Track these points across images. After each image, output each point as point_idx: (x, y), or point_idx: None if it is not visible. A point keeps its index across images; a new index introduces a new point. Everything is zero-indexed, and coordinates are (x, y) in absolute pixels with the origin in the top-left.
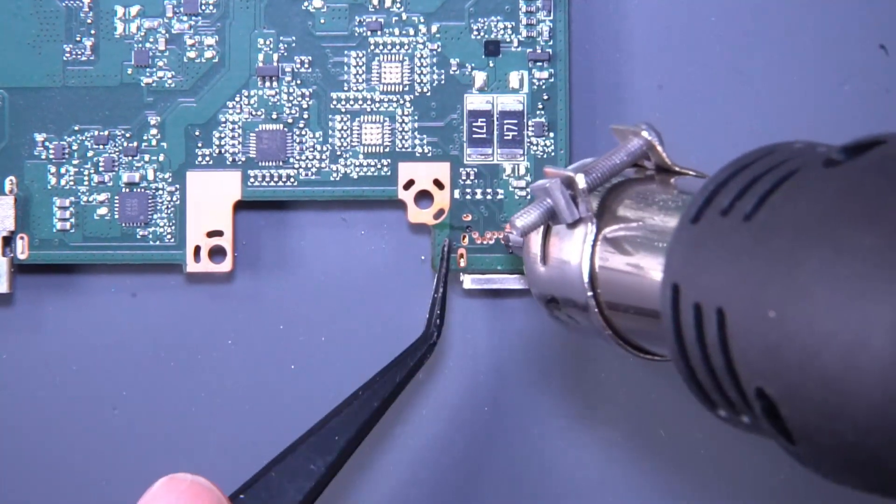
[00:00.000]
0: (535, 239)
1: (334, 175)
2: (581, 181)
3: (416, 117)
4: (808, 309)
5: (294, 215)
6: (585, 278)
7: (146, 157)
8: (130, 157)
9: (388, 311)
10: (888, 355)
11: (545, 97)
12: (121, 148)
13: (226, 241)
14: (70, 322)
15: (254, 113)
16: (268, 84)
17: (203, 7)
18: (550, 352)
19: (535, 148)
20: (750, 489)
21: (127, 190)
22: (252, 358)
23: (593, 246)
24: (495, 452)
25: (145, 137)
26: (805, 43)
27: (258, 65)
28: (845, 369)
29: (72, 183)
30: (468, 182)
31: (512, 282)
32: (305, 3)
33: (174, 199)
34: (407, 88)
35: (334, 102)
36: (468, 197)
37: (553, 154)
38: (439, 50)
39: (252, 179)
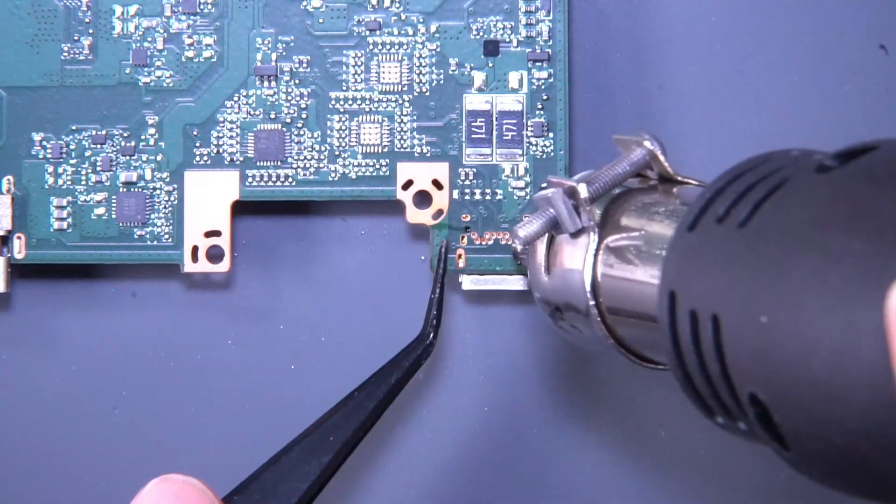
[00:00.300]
0: (540, 249)
1: (333, 175)
2: (583, 191)
3: (414, 117)
4: (797, 315)
5: (292, 215)
6: (587, 287)
7: (144, 157)
8: (128, 157)
9: (388, 312)
10: (875, 360)
11: (544, 97)
12: (118, 147)
13: (224, 242)
14: (68, 322)
15: (252, 112)
16: (266, 83)
17: (202, 6)
18: (550, 352)
19: (534, 148)
20: (750, 490)
21: (125, 189)
22: (252, 358)
23: (595, 255)
24: (495, 452)
25: (143, 137)
26: (805, 43)
27: (256, 64)
28: (833, 374)
29: (69, 182)
30: (467, 182)
31: (511, 282)
32: (304, 3)
33: (172, 198)
34: (406, 88)
35: (333, 102)
36: (467, 197)
37: (552, 154)
38: (438, 49)
39: (250, 179)
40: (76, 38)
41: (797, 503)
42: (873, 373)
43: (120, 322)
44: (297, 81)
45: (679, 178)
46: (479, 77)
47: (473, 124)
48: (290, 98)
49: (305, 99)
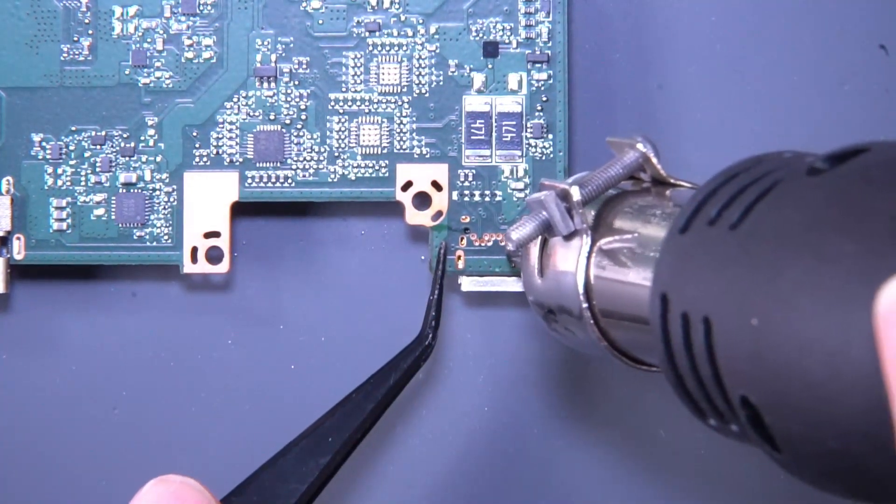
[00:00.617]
0: (534, 251)
1: (332, 176)
2: (576, 193)
3: (414, 118)
4: (790, 317)
5: (292, 216)
6: (580, 289)
7: (143, 158)
8: (128, 158)
9: (387, 313)
10: (868, 362)
11: (544, 98)
12: (118, 148)
13: (223, 243)
14: (68, 323)
15: (251, 113)
16: (265, 85)
17: (201, 7)
18: (550, 353)
19: (533, 149)
20: (750, 490)
21: (124, 190)
22: (252, 358)
23: (588, 257)
24: (495, 453)
25: (143, 138)
26: (805, 43)
27: (256, 65)
28: (827, 377)
29: (69, 183)
30: (466, 183)
31: (510, 284)
32: (304, 4)
33: (171, 199)
34: (405, 89)
35: (332, 103)
36: (466, 198)
37: (551, 156)
38: (438, 51)
39: (249, 180)
40: (76, 38)
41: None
42: (866, 375)
43: (120, 323)
44: (296, 82)
45: (672, 181)
46: (478, 78)
47: (473, 126)
48: (289, 99)
49: (305, 100)
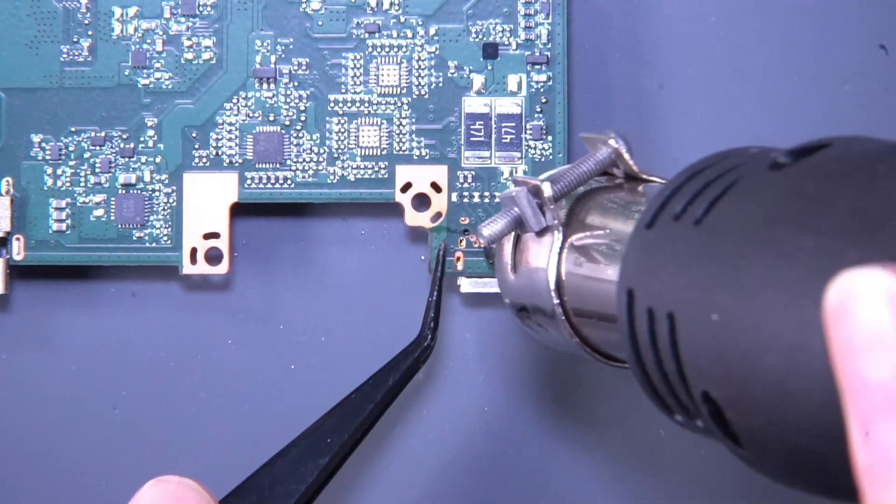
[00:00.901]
0: (507, 248)
1: (331, 177)
2: (547, 189)
3: (413, 120)
4: (750, 312)
5: (291, 217)
6: (552, 286)
7: (143, 159)
8: (127, 159)
9: (387, 313)
10: (826, 358)
11: (543, 100)
12: (117, 149)
13: (223, 244)
14: (67, 323)
15: (251, 115)
16: (265, 86)
17: (201, 8)
18: (549, 353)
19: (532, 151)
20: (750, 490)
21: (123, 191)
22: (251, 358)
23: (560, 254)
24: (494, 453)
25: (142, 139)
26: (805, 43)
27: (255, 66)
28: (785, 373)
29: (68, 184)
30: (466, 185)
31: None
32: (303, 5)
33: (171, 200)
34: (405, 91)
35: (332, 104)
36: (466, 200)
37: (551, 157)
38: (437, 52)
39: (249, 181)
40: (75, 39)
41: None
42: (826, 370)
43: (120, 323)
44: (296, 84)
45: (644, 177)
46: (477, 80)
47: (472, 127)
48: (289, 100)
49: (304, 101)
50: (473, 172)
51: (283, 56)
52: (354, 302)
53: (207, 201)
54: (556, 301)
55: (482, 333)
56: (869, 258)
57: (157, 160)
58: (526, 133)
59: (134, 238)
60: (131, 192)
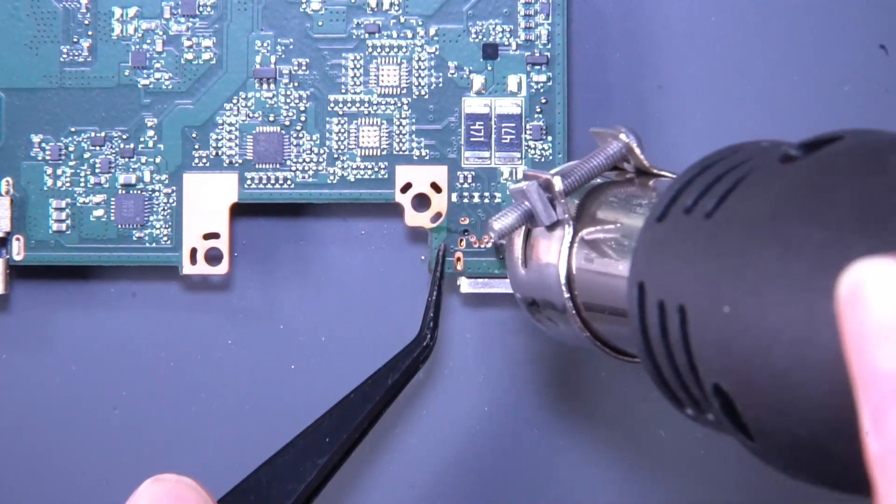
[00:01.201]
0: (517, 242)
1: (331, 178)
2: (558, 183)
3: (413, 120)
4: (758, 305)
5: (291, 217)
6: (563, 280)
7: (143, 159)
8: (127, 159)
9: (387, 313)
10: (834, 349)
11: (543, 100)
12: (117, 149)
13: (222, 244)
14: (67, 323)
15: (251, 115)
16: (265, 86)
17: (201, 8)
18: (549, 353)
19: (532, 151)
20: (751, 490)
21: (123, 192)
22: (251, 358)
23: (570, 248)
24: (494, 453)
25: (142, 139)
26: (805, 43)
27: (255, 67)
28: (794, 364)
29: (68, 184)
30: (465, 185)
31: (509, 285)
32: (303, 5)
33: (171, 200)
34: (405, 91)
35: (332, 105)
36: (465, 200)
37: (551, 158)
38: (437, 53)
39: (249, 182)
40: (75, 39)
41: (797, 502)
42: (832, 362)
43: (120, 323)
44: (296, 84)
45: (655, 171)
46: (477, 80)
47: (472, 127)
48: (289, 101)
49: (304, 101)
50: (473, 173)
51: (283, 56)
52: (354, 302)
53: (207, 201)
54: (566, 295)
55: (482, 333)
56: (876, 251)
57: (157, 160)
58: (526, 133)
59: (134, 238)
60: (131, 192)
